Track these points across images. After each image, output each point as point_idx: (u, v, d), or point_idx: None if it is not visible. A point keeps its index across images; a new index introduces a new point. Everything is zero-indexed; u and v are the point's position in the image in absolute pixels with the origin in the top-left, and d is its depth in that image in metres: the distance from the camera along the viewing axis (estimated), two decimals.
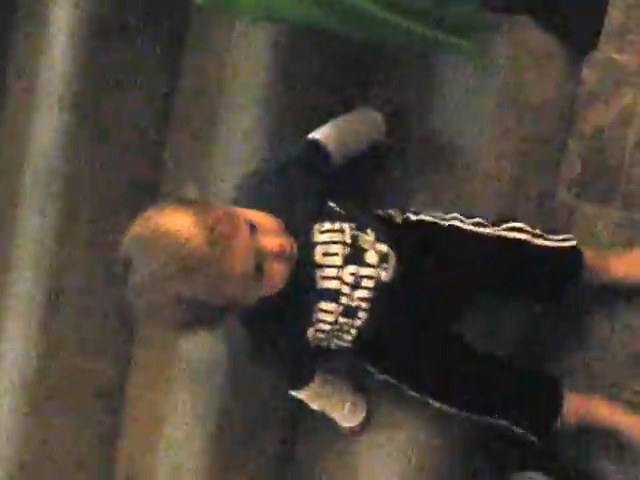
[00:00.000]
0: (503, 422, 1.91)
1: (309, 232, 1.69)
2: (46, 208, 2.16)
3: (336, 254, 1.70)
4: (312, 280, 1.69)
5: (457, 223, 1.89)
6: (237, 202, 1.71)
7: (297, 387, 1.93)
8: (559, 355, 2.11)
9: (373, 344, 1.84)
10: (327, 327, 1.75)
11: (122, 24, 2.13)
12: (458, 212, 1.92)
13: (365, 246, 1.74)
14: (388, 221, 1.90)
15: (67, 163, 2.15)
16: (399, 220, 1.91)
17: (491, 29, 2.02)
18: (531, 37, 2.06)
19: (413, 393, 1.91)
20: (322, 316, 1.73)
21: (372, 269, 1.73)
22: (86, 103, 2.14)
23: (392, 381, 1.92)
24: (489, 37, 2.03)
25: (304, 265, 1.66)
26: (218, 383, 2.09)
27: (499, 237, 1.88)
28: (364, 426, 2.04)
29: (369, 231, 1.77)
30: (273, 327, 1.72)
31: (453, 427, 2.03)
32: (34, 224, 2.18)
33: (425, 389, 1.90)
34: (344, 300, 1.72)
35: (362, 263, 1.72)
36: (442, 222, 1.90)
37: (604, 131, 2.10)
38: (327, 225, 1.72)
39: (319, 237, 1.70)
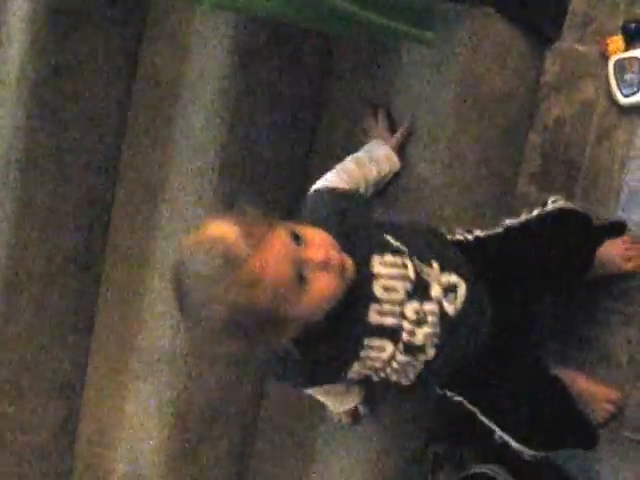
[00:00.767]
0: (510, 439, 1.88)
1: (369, 262, 1.60)
2: (3, 197, 2.15)
3: (398, 290, 1.61)
4: (364, 313, 1.58)
5: (508, 222, 1.86)
6: (299, 218, 1.65)
7: (307, 387, 1.82)
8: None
9: (442, 375, 1.78)
10: (379, 364, 1.64)
11: (81, 12, 2.11)
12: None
13: (429, 279, 1.65)
14: (447, 244, 1.80)
15: (24, 151, 2.14)
16: (462, 238, 1.85)
17: (452, 19, 2.01)
18: (493, 27, 2.03)
19: (483, 418, 1.85)
20: (372, 353, 1.61)
21: (436, 303, 1.65)
22: (44, 91, 2.12)
23: (458, 398, 1.85)
24: (450, 27, 2.01)
25: (360, 296, 1.57)
26: (176, 373, 2.09)
27: (548, 214, 1.86)
28: (355, 415, 2.00)
29: (433, 262, 1.67)
30: (317, 349, 1.58)
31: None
32: None
33: (498, 415, 1.84)
34: (405, 337, 1.62)
35: (426, 297, 1.63)
36: (497, 229, 1.86)
37: (565, 123, 2.09)
38: (389, 258, 1.62)
39: (380, 269, 1.60)
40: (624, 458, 2.05)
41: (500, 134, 2.07)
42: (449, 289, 1.67)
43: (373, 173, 1.90)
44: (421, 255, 1.66)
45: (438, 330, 1.64)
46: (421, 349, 1.65)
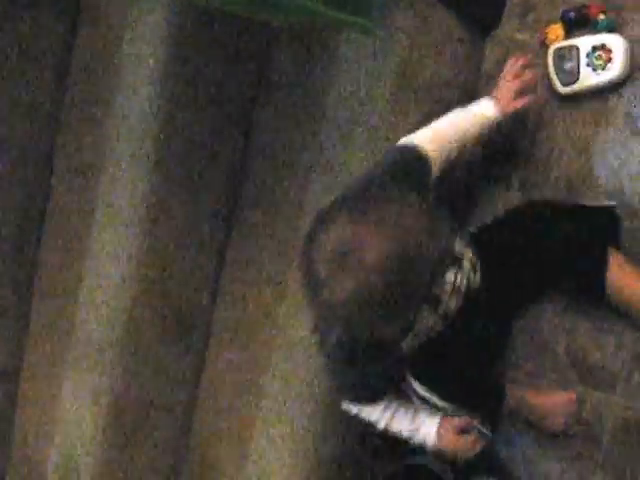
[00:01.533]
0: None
1: None
2: None
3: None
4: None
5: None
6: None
7: (370, 401, 1.84)
8: None
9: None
10: (421, 336, 1.70)
11: None
12: None
13: (462, 254, 1.72)
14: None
15: None
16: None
17: (391, 7, 1.99)
18: (432, 15, 2.01)
19: (444, 403, 1.85)
20: (421, 323, 1.67)
21: (465, 278, 1.71)
22: None
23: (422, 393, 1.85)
24: (389, 15, 1.99)
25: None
26: (111, 364, 2.08)
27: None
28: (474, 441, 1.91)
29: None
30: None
31: None
32: None
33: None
34: (442, 307, 1.69)
35: (460, 269, 1.70)
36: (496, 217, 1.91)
37: None
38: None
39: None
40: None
41: None
42: (474, 266, 1.73)
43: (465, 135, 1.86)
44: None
45: (460, 303, 1.69)
46: (447, 319, 1.69)
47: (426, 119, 2.01)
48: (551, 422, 1.98)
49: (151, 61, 2.02)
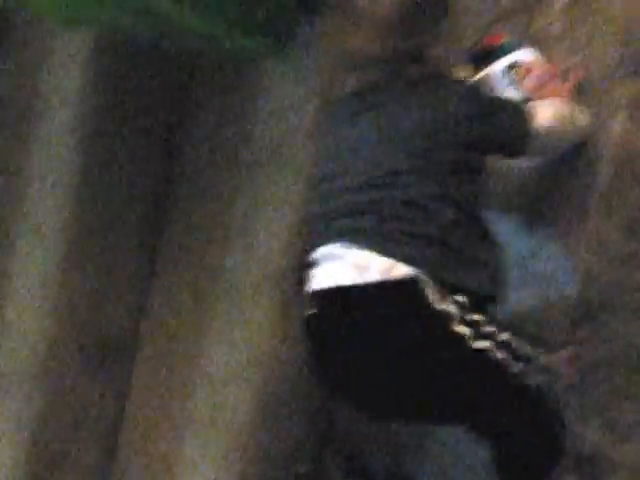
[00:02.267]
0: None
1: None
2: None
3: None
4: None
5: None
6: None
7: None
8: None
9: None
10: None
11: None
12: None
13: None
14: None
15: None
16: None
17: (311, 33, 2.01)
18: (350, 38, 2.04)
19: None
20: None
21: None
22: None
23: None
24: (309, 41, 2.01)
25: None
26: (34, 394, 2.05)
27: None
28: None
29: None
30: None
31: None
32: None
33: None
34: None
35: None
36: None
37: None
38: None
39: None
40: None
41: None
42: None
43: None
44: None
45: None
46: None
47: None
48: None
49: (71, 92, 2.01)
